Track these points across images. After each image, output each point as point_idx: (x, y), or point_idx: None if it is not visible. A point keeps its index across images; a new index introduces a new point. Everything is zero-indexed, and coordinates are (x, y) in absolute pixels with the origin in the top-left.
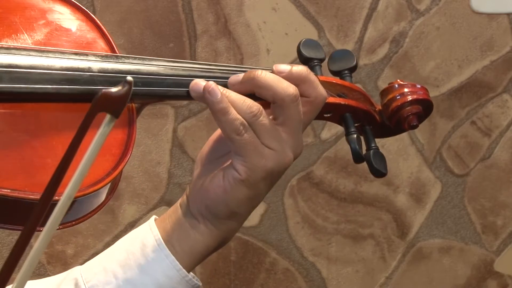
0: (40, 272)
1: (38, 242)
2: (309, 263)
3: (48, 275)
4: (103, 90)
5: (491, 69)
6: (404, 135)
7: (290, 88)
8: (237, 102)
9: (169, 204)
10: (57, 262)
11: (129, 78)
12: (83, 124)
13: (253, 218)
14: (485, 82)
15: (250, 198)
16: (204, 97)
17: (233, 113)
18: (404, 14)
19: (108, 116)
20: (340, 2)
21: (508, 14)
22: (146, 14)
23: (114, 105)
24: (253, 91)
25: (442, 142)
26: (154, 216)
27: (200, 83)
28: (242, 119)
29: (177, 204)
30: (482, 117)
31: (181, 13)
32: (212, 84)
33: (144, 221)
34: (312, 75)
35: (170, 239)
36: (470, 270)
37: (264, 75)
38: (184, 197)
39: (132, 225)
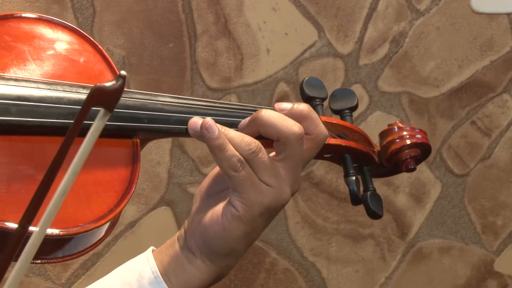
0: (40, 272)
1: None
2: (309, 263)
3: (48, 275)
4: (98, 84)
5: (491, 69)
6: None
7: (295, 127)
8: (235, 140)
9: (169, 204)
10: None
11: (123, 72)
12: (77, 118)
13: None
14: (485, 82)
15: (247, 234)
16: (202, 133)
17: (231, 150)
18: (404, 14)
19: (102, 110)
20: (340, 2)
21: (508, 14)
22: (146, 14)
23: (108, 99)
24: (259, 131)
25: (442, 142)
26: (151, 247)
27: (198, 121)
28: (240, 156)
29: (175, 237)
30: (482, 117)
31: (181, 13)
32: (209, 120)
33: (144, 221)
34: (313, 113)
35: (167, 273)
36: (470, 270)
37: (268, 114)
38: (182, 230)
39: (132, 225)
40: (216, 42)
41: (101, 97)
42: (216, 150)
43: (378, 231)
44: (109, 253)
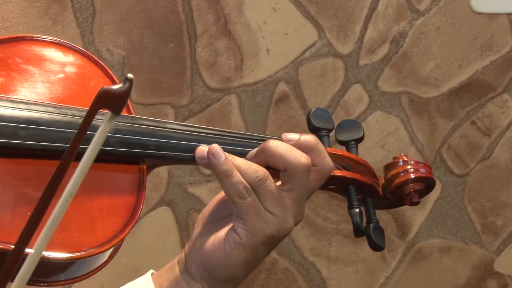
0: None
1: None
2: (309, 263)
3: None
4: (105, 87)
5: (491, 69)
6: (404, 134)
7: (302, 158)
8: (242, 167)
9: (169, 204)
10: None
11: (129, 75)
12: (84, 121)
13: None
14: (485, 82)
15: (248, 262)
16: (208, 159)
17: (237, 176)
18: (404, 14)
19: (109, 113)
20: (340, 2)
21: (508, 14)
22: (146, 14)
23: (115, 102)
24: (267, 162)
25: (442, 142)
26: (151, 271)
27: (205, 149)
28: (246, 183)
29: (175, 261)
30: (482, 117)
31: (181, 13)
32: (215, 146)
33: (144, 221)
34: (320, 145)
35: None
36: (470, 270)
37: (276, 145)
38: (183, 254)
39: None
40: (216, 42)
41: (108, 100)
42: (222, 176)
43: None
44: None
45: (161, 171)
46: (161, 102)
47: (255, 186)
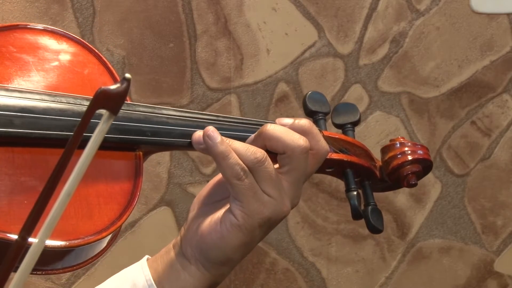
0: None
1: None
2: (309, 263)
3: (49, 276)
4: (103, 87)
5: (491, 69)
6: (404, 134)
7: (300, 140)
8: (240, 149)
9: (169, 204)
10: None
11: (127, 75)
12: (82, 121)
13: None
14: (485, 82)
15: (245, 244)
16: (204, 141)
17: (234, 158)
18: (404, 14)
19: (106, 113)
20: (340, 2)
21: (508, 14)
22: (146, 14)
23: (113, 102)
24: (265, 146)
25: (442, 142)
26: (146, 256)
27: (201, 134)
28: (243, 165)
29: (170, 245)
30: (482, 117)
31: (181, 13)
32: (210, 128)
33: (144, 221)
34: (314, 128)
35: (161, 280)
36: (470, 270)
37: (274, 128)
38: (178, 238)
39: (132, 225)
40: (216, 42)
41: (106, 100)
42: (219, 158)
43: None
44: (109, 253)
45: (161, 171)
46: (161, 102)
47: (253, 168)
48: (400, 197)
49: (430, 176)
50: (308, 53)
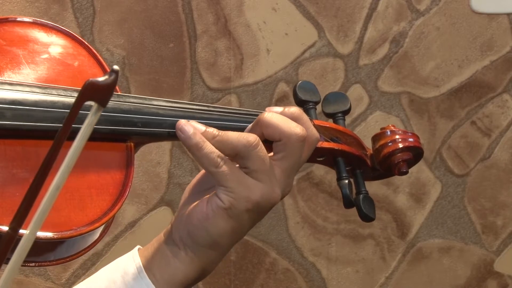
0: (40, 272)
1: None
2: (309, 263)
3: (48, 275)
4: (90, 79)
5: (491, 69)
6: None
7: (297, 128)
8: (232, 137)
9: (169, 204)
10: None
11: (115, 67)
12: (70, 113)
13: None
14: (485, 82)
15: (232, 229)
16: (177, 135)
17: (208, 147)
18: (404, 14)
19: (95, 105)
20: (340, 2)
21: (508, 14)
22: (146, 14)
23: (101, 94)
24: (263, 135)
25: (442, 142)
26: (138, 246)
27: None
28: (219, 152)
29: (161, 233)
30: (482, 117)
31: (181, 13)
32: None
33: (144, 221)
34: (304, 115)
35: (151, 267)
36: (470, 270)
37: (271, 115)
38: (169, 226)
39: (132, 225)
40: (216, 42)
41: (94, 92)
42: (193, 149)
43: (378, 231)
44: (109, 253)
45: (161, 171)
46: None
47: (246, 152)
48: (400, 197)
49: (430, 176)
50: (308, 53)
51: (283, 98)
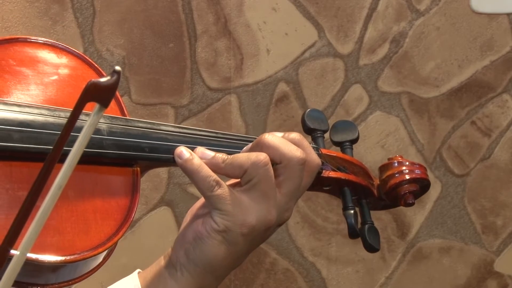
0: None
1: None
2: (309, 263)
3: None
4: (93, 79)
5: (491, 69)
6: (404, 134)
7: (298, 151)
8: (242, 157)
9: (169, 204)
10: None
11: (117, 67)
12: (73, 114)
13: None
14: (485, 82)
15: (227, 252)
16: (175, 161)
17: (205, 171)
18: (404, 14)
19: (97, 106)
20: (340, 2)
21: (508, 14)
22: (146, 14)
23: (103, 95)
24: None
25: (442, 142)
26: (138, 270)
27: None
28: (216, 177)
29: (161, 256)
30: (482, 117)
31: (181, 13)
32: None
33: (144, 221)
34: (305, 141)
35: None
36: (470, 270)
37: (271, 137)
38: (169, 249)
39: (132, 225)
40: (216, 42)
41: (96, 93)
42: (189, 174)
43: None
44: None
45: (161, 171)
46: (161, 102)
47: (255, 170)
48: None
49: (430, 176)
50: (308, 53)
51: (283, 98)
